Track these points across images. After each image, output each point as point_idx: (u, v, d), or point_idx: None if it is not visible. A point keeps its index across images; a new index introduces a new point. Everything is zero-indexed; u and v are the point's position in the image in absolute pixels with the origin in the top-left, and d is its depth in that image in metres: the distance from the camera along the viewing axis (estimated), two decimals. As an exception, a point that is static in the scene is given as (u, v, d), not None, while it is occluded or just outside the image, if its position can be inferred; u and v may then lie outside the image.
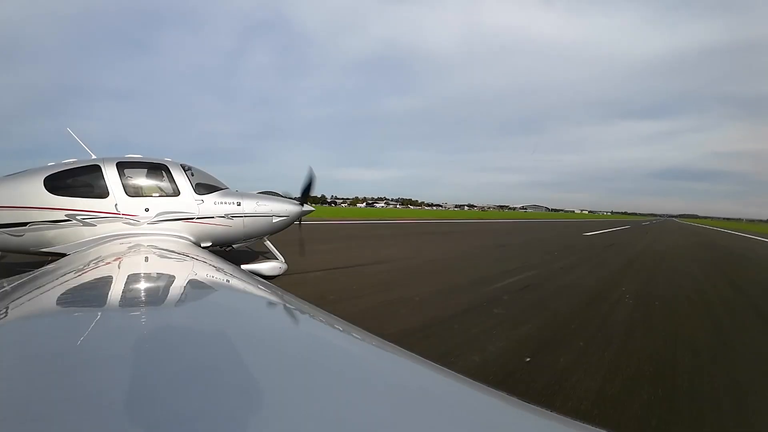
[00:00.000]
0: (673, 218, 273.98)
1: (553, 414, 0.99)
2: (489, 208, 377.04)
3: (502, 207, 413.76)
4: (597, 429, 0.89)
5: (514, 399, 1.06)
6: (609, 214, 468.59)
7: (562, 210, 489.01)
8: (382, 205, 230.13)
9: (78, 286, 2.41)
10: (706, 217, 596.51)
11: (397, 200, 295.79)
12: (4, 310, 1.74)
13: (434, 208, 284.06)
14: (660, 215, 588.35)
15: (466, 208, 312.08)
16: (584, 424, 0.97)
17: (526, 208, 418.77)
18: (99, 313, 1.63)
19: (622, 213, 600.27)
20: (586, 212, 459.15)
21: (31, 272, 3.00)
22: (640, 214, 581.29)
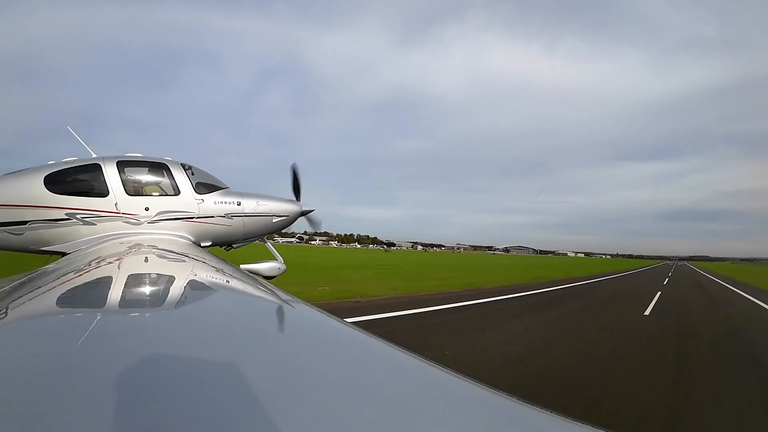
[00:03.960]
0: (684, 261, 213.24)
1: (553, 414, 0.98)
2: (459, 248, 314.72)
3: (476, 248, 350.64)
4: (597, 429, 0.89)
5: (515, 398, 1.05)
6: (608, 257, 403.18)
7: (552, 253, 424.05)
8: (294, 240, 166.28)
9: (78, 286, 2.40)
10: (719, 259, 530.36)
11: (330, 236, 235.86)
12: (4, 310, 1.74)
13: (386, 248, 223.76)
14: (669, 257, 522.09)
15: (420, 248, 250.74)
16: (584, 425, 0.96)
17: (509, 250, 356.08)
18: (99, 314, 1.62)
19: (627, 256, 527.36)
20: (582, 255, 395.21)
21: (31, 272, 3.10)
22: (647, 257, 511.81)
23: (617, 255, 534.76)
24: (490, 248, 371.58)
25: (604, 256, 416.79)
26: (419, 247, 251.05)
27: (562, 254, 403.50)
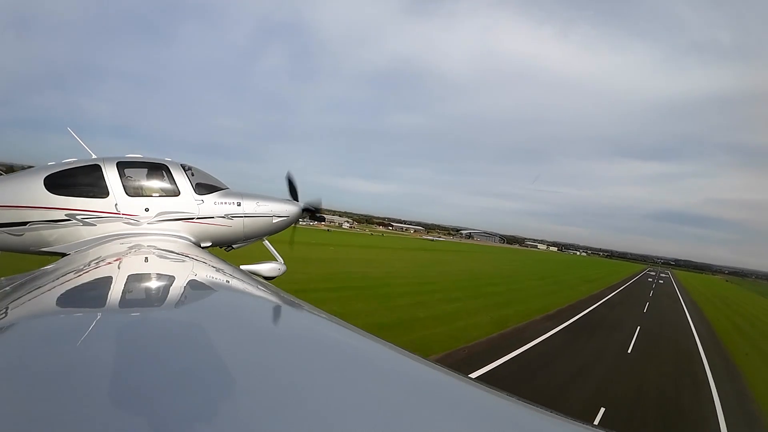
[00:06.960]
0: (668, 271, 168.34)
1: (553, 414, 0.99)
2: (407, 230, 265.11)
3: (429, 230, 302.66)
4: (597, 429, 0.88)
5: (514, 398, 1.06)
6: (585, 255, 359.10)
7: (520, 243, 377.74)
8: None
9: (78, 286, 2.40)
10: (705, 266, 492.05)
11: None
12: (4, 310, 1.76)
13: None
14: (654, 258, 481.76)
15: (346, 225, 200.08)
16: (584, 425, 0.97)
17: (472, 236, 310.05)
18: (99, 313, 1.64)
19: (607, 254, 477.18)
20: (555, 250, 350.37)
21: (31, 272, 3.11)
22: (630, 257, 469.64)
23: (599, 251, 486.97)
24: (458, 231, 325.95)
25: (578, 253, 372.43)
26: (345, 225, 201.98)
27: (533, 245, 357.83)
